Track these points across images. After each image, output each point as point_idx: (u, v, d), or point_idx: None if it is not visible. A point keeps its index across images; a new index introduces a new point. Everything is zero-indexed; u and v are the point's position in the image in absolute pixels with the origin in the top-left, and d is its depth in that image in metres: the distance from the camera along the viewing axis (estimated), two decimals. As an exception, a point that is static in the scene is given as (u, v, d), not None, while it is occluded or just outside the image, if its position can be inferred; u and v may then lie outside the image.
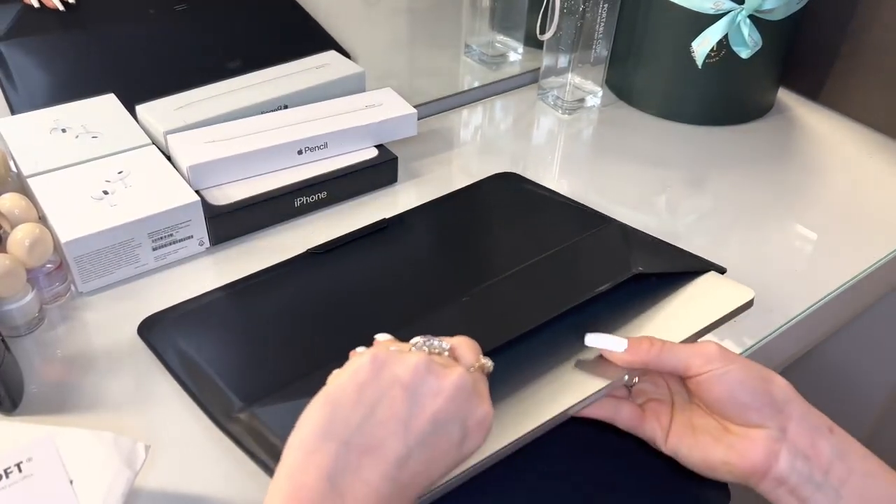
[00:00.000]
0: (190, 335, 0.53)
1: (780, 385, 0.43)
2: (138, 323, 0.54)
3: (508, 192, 0.69)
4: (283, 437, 0.43)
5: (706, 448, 0.44)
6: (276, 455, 0.42)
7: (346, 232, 0.62)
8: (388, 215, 0.65)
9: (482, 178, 0.70)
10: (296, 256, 0.60)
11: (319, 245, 0.61)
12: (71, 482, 0.39)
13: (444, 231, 0.65)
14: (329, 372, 0.48)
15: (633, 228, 0.61)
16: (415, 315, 0.53)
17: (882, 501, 0.41)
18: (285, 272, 0.59)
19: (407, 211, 0.66)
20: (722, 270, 0.56)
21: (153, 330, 0.54)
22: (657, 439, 0.46)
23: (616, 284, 0.51)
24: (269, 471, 0.42)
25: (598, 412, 0.47)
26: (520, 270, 0.56)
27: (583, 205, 0.66)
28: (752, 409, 0.42)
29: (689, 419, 0.45)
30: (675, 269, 0.54)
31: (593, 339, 0.46)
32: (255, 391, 0.47)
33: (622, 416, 0.47)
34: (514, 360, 0.48)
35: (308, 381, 0.47)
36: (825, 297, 0.61)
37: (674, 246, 0.59)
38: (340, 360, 0.49)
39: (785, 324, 0.58)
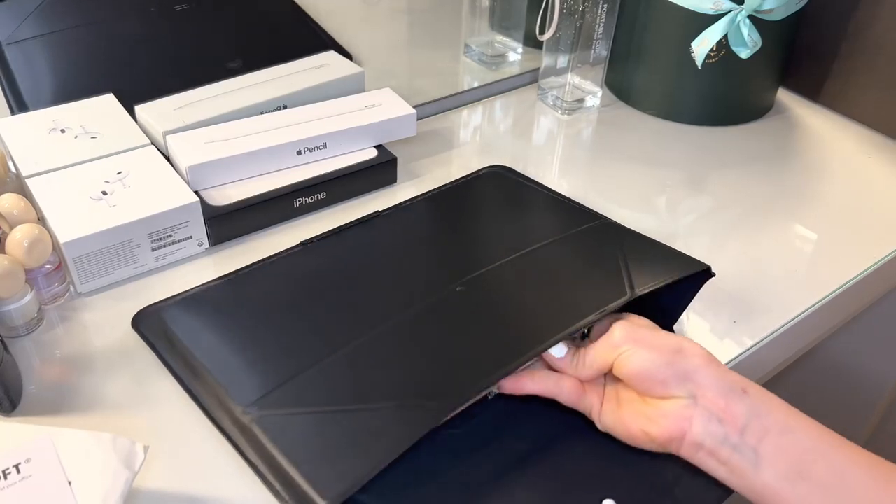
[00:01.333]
0: (184, 327, 0.53)
1: (691, 354, 0.44)
2: (136, 326, 0.54)
3: (501, 185, 0.69)
4: (283, 449, 0.43)
5: (628, 420, 0.45)
6: (274, 466, 0.43)
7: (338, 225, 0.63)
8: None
9: (476, 170, 0.71)
10: (288, 249, 0.60)
11: (311, 238, 0.61)
12: (69, 483, 0.39)
13: (435, 223, 0.65)
14: (325, 367, 0.48)
15: (622, 226, 0.61)
16: (407, 304, 0.53)
17: (802, 455, 0.41)
18: (277, 264, 0.59)
19: (399, 204, 0.66)
20: (711, 273, 0.56)
21: (147, 322, 0.54)
22: (593, 413, 0.48)
23: (608, 303, 0.52)
24: (266, 482, 0.42)
25: (540, 387, 0.48)
26: (508, 262, 0.56)
27: (572, 200, 0.66)
28: (657, 381, 0.44)
29: (616, 393, 0.47)
30: (664, 274, 0.54)
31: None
32: (254, 390, 0.47)
33: (564, 391, 0.48)
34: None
35: (305, 379, 0.47)
36: (825, 297, 0.61)
37: (662, 244, 0.59)
38: (335, 352, 0.49)
39: (785, 324, 0.58)
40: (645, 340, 0.45)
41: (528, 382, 0.48)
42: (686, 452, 0.44)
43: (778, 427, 0.42)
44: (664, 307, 0.55)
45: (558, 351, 0.48)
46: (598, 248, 0.58)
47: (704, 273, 0.54)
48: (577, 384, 0.48)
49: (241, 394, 0.47)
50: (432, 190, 0.68)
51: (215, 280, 0.57)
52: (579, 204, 0.65)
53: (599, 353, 0.46)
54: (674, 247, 0.58)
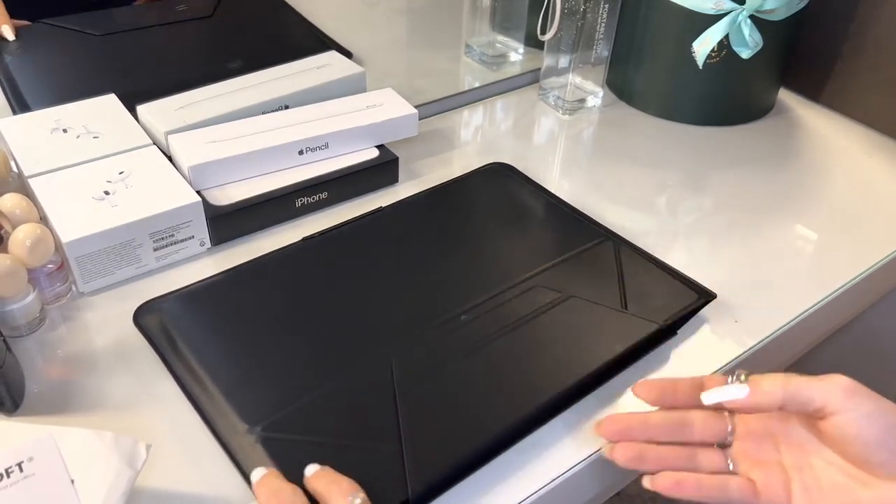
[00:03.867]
0: (185, 326, 0.53)
1: None
2: (137, 321, 0.54)
3: (501, 185, 0.70)
4: (285, 468, 0.43)
5: None
6: None
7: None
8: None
9: (478, 167, 0.71)
10: (288, 245, 0.61)
11: (312, 234, 0.62)
12: (72, 482, 0.39)
13: (436, 223, 0.65)
14: (329, 392, 0.48)
15: (620, 244, 0.61)
16: (410, 324, 0.53)
17: None
18: (277, 260, 0.59)
19: (400, 200, 0.67)
20: (713, 296, 0.57)
21: (148, 317, 0.54)
22: None
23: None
24: None
25: (701, 494, 0.42)
26: (510, 290, 0.56)
27: (572, 206, 0.66)
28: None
29: (815, 479, 0.40)
30: (665, 312, 0.55)
31: (712, 397, 0.42)
32: (259, 411, 0.47)
33: (732, 495, 0.42)
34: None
35: (310, 404, 0.47)
36: (826, 296, 0.61)
37: (667, 268, 0.59)
38: (340, 372, 0.49)
39: (786, 323, 0.58)
40: (873, 398, 0.39)
41: (692, 488, 0.42)
42: None
43: None
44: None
45: (739, 391, 0.40)
46: (599, 278, 0.58)
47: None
48: (746, 484, 0.42)
49: (246, 413, 0.47)
50: (435, 186, 0.68)
51: (217, 275, 0.57)
52: (579, 212, 0.65)
53: (817, 388, 0.39)
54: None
